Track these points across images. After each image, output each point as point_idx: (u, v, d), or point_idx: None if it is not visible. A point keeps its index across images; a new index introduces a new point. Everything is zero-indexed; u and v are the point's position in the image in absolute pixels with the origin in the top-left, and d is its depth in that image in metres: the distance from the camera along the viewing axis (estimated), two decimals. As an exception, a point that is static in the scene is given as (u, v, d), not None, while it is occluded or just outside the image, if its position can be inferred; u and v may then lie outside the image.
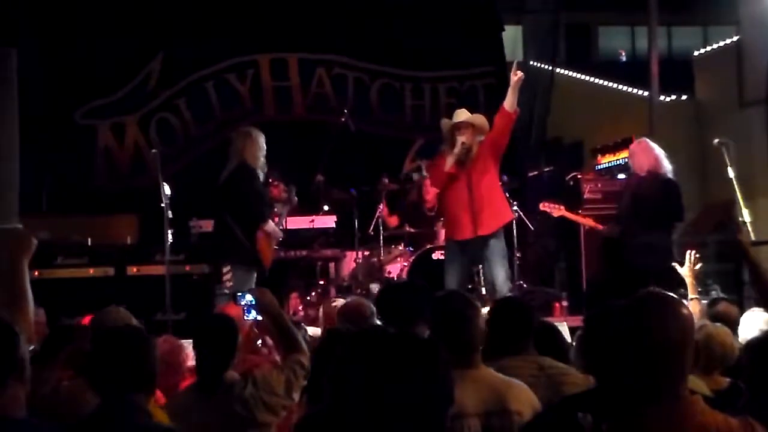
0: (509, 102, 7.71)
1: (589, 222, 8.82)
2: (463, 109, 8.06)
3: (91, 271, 8.51)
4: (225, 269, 8.54)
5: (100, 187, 11.91)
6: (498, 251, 7.86)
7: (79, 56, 11.77)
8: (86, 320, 5.13)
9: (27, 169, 10.83)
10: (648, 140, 8.43)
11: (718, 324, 4.71)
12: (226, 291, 8.60)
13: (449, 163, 7.82)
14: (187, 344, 4.75)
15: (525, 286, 9.97)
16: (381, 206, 10.09)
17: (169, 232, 7.62)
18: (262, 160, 7.90)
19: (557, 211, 8.68)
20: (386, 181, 10.21)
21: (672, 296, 2.65)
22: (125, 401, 3.20)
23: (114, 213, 10.51)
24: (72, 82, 11.76)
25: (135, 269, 8.58)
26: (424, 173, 10.22)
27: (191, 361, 4.64)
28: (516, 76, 7.62)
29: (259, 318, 4.57)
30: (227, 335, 4.10)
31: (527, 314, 4.29)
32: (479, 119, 7.97)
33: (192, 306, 8.09)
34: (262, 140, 7.94)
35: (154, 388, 3.42)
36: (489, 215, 7.78)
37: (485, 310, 4.21)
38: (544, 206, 8.79)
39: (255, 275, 7.91)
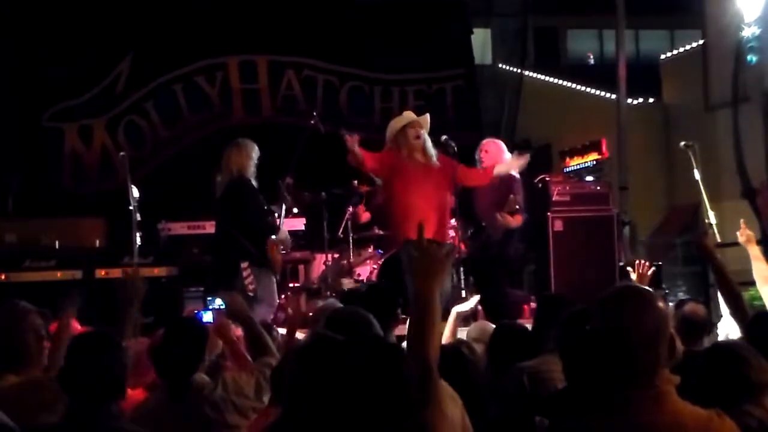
0: (497, 171, 8.08)
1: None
2: (410, 111, 8.23)
3: (59, 274, 8.44)
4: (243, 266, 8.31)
5: (67, 190, 11.83)
6: None
7: (46, 58, 11.69)
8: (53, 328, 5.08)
9: (-7, 171, 10.80)
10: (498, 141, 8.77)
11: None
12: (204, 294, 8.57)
13: (404, 153, 7.87)
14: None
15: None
16: (350, 208, 10.08)
17: (138, 234, 7.59)
18: (253, 168, 7.82)
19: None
20: (356, 183, 10.22)
21: (647, 289, 2.72)
22: (98, 407, 3.18)
23: (82, 216, 10.42)
24: (39, 84, 11.68)
25: (103, 272, 8.51)
26: None
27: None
28: (521, 159, 8.06)
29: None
30: (196, 338, 4.09)
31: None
32: (426, 119, 8.07)
33: (161, 309, 8.03)
34: (251, 149, 7.79)
35: (124, 392, 3.40)
36: (433, 232, 7.67)
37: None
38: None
39: (273, 278, 7.82)
